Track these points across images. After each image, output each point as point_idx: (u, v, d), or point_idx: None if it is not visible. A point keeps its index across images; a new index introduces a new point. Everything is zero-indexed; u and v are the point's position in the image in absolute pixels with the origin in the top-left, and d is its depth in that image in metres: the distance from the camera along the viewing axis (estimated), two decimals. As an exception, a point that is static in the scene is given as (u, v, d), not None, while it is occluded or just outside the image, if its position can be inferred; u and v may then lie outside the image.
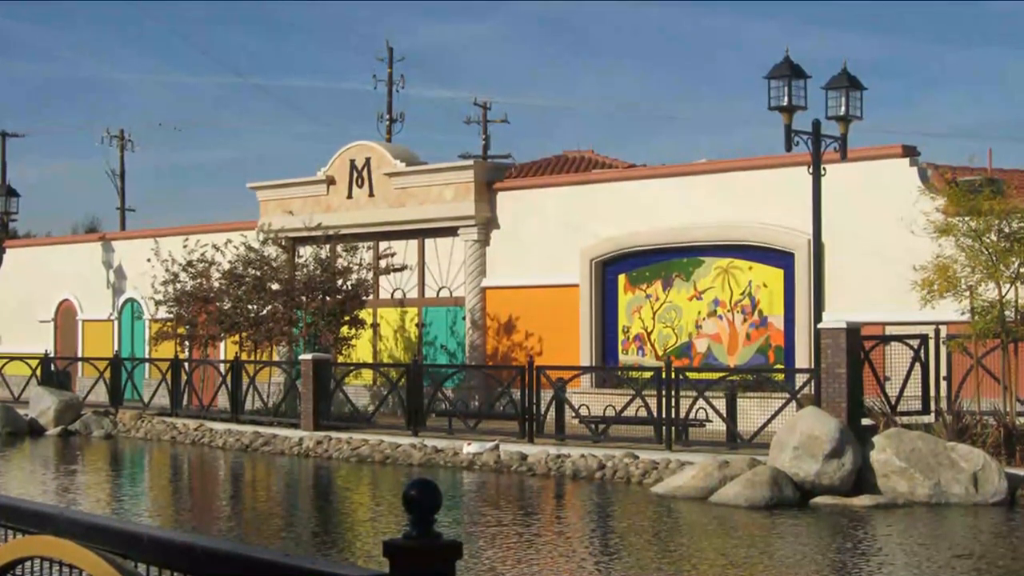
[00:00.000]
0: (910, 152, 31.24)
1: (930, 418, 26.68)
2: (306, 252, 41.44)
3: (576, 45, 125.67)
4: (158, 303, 42.37)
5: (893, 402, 26.72)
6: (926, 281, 26.13)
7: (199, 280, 40.97)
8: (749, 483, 24.12)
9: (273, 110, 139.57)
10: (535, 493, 26.88)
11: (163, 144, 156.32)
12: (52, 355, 48.59)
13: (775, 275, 33.27)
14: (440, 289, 40.53)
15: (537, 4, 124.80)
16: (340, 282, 39.01)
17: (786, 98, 28.11)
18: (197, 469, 33.60)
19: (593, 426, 30.76)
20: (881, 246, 30.66)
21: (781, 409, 27.68)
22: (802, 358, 31.70)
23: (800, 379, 28.81)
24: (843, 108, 28.36)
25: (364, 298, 39.36)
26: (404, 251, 40.95)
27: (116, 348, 48.76)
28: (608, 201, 36.32)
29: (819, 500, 24.07)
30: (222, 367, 40.15)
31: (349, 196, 41.65)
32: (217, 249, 41.15)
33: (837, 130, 28.59)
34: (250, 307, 39.61)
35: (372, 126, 64.69)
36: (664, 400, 29.17)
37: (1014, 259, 25.95)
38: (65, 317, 52.19)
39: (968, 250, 26.13)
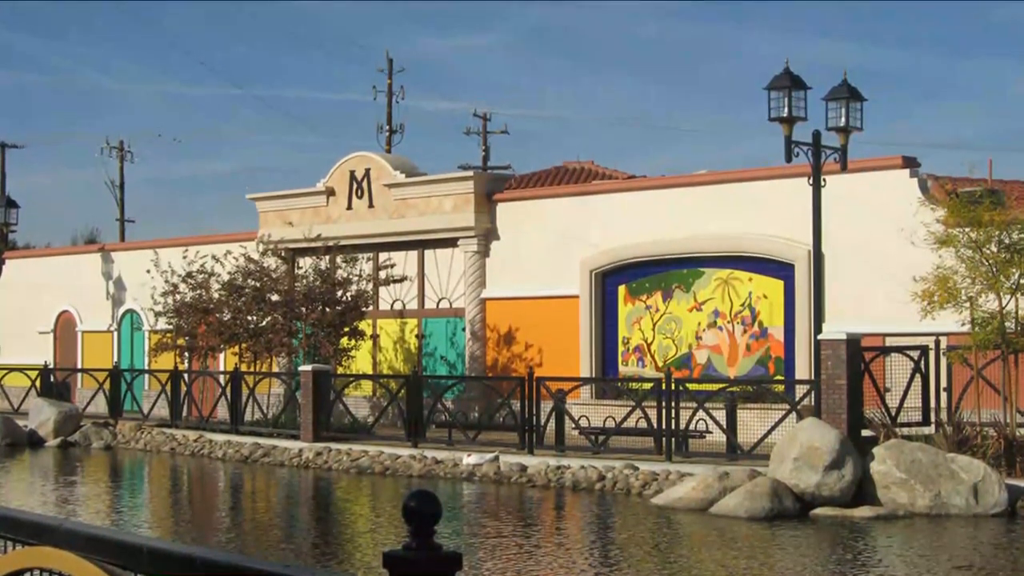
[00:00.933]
0: (910, 163, 31.22)
1: (930, 429, 26.66)
2: (306, 263, 41.44)
3: (576, 56, 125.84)
4: (157, 314, 42.34)
5: (893, 413, 26.69)
6: (926, 292, 26.11)
7: (199, 291, 40.93)
8: (749, 494, 24.10)
9: (273, 121, 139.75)
10: (535, 504, 26.86)
11: (162, 155, 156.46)
12: (51, 366, 48.59)
13: (775, 286, 33.25)
14: (440, 300, 40.51)
15: (537, 15, 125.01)
16: (340, 293, 39.00)
17: (786, 109, 28.11)
18: (197, 480, 33.58)
19: (593, 437, 30.74)
20: (881, 257, 30.64)
21: (781, 420, 27.66)
22: (802, 369, 31.68)
23: (800, 390, 28.79)
24: (843, 119, 28.35)
25: (364, 309, 39.33)
26: (404, 262, 40.93)
27: (116, 359, 48.73)
28: (608, 212, 36.31)
29: (819, 511, 24.05)
30: (222, 378, 40.13)
31: (349, 207, 41.64)
32: (217, 260, 41.14)
33: (837, 141, 28.59)
34: (250, 318, 39.58)
35: (372, 137, 64.78)
36: (664, 411, 29.15)
37: (1014, 270, 25.94)
38: (64, 328, 52.18)
39: (968, 261, 26.12)
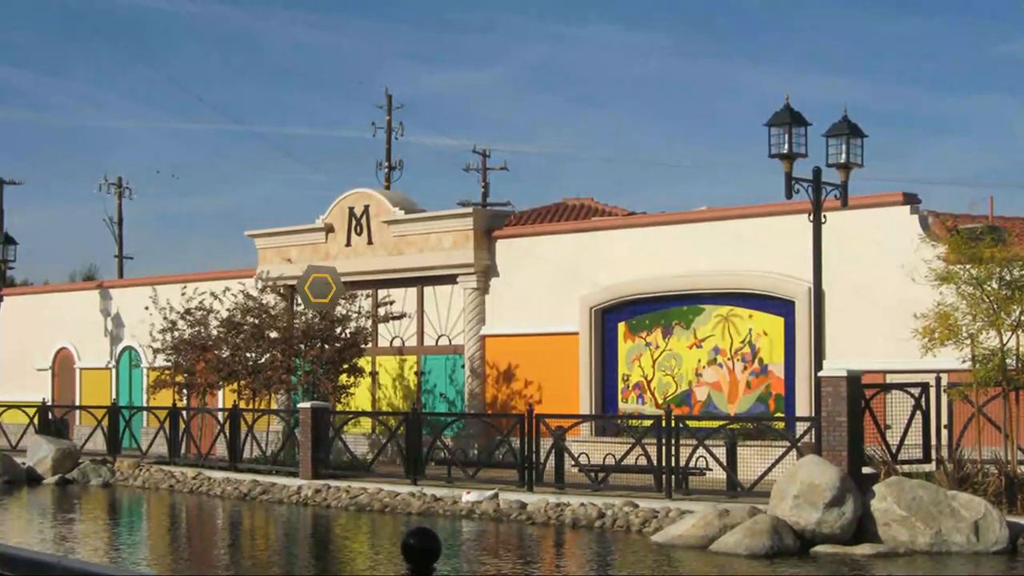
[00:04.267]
0: (911, 199, 31.20)
1: (931, 466, 26.57)
2: (305, 300, 41.42)
3: (577, 93, 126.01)
4: (156, 351, 42.31)
5: (894, 450, 26.63)
6: (927, 329, 26.06)
7: (197, 328, 40.92)
8: (749, 532, 24.01)
9: (271, 158, 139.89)
10: (534, 542, 26.76)
11: (161, 192, 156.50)
12: (50, 403, 48.48)
13: (775, 323, 33.20)
14: (439, 337, 40.45)
15: (538, 52, 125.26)
16: (339, 330, 38.96)
17: (786, 145, 28.12)
18: (195, 517, 33.45)
19: (593, 474, 30.65)
20: (882, 294, 30.60)
21: (781, 457, 27.58)
22: (802, 406, 31.60)
23: (800, 427, 28.70)
24: (844, 156, 28.36)
25: (363, 346, 39.28)
26: (403, 299, 40.90)
27: (114, 396, 48.65)
28: (608, 249, 36.28)
29: (820, 549, 23.95)
30: (220, 415, 40.03)
31: (348, 244, 41.62)
32: (215, 297, 41.13)
33: (838, 177, 28.59)
34: (248, 355, 39.54)
35: (371, 173, 64.67)
36: (664, 448, 29.06)
37: (1015, 307, 25.90)
38: (63, 365, 52.10)
39: (969, 298, 26.08)
